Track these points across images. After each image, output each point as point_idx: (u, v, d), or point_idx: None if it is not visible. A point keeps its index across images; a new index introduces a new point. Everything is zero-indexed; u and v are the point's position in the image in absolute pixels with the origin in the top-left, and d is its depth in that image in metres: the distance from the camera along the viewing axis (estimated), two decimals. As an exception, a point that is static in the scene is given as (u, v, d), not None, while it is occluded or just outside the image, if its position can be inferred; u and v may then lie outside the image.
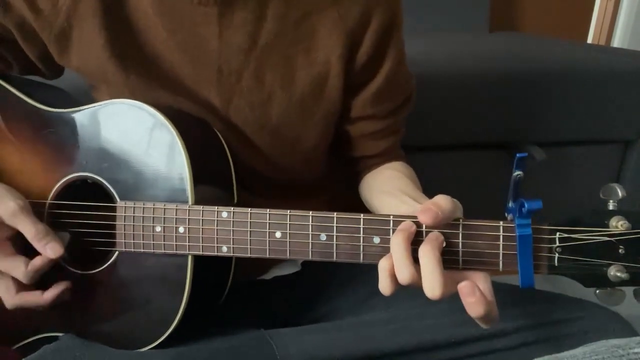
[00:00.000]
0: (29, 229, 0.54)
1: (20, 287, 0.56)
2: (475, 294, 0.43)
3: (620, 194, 0.44)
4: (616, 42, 2.08)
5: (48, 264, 0.55)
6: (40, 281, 0.56)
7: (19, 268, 0.54)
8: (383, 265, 0.46)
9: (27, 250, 0.56)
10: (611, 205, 0.44)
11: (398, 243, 0.45)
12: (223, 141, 0.60)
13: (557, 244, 0.44)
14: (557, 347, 0.52)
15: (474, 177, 1.32)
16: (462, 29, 1.88)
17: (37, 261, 0.54)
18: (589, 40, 2.14)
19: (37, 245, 0.54)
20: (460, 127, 1.25)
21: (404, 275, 0.44)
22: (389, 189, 0.64)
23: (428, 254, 0.44)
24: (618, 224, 0.43)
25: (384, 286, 0.46)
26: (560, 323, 0.55)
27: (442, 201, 0.45)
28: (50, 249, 0.54)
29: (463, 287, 0.44)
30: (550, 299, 0.58)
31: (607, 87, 1.29)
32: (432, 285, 0.43)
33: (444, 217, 0.45)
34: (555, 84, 1.27)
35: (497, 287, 0.63)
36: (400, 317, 0.58)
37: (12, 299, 0.56)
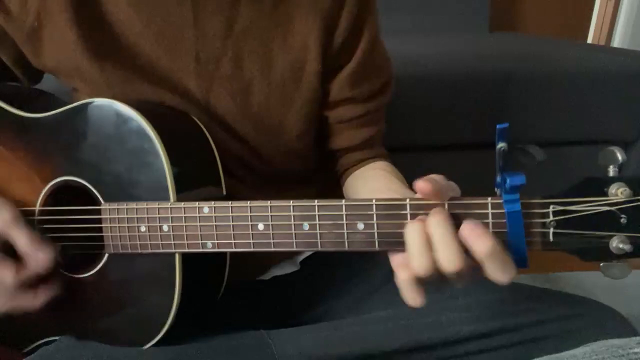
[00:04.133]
0: (23, 238, 0.53)
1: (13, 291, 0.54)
2: (478, 227, 0.41)
3: (620, 157, 0.40)
4: (616, 42, 2.08)
5: (38, 272, 0.54)
6: (36, 286, 0.56)
7: (9, 274, 0.53)
8: (403, 277, 0.43)
9: (17, 259, 0.54)
10: (611, 172, 0.40)
11: (412, 229, 0.43)
12: (206, 132, 0.59)
13: (551, 217, 0.41)
14: (557, 344, 0.52)
15: (474, 177, 1.31)
16: (462, 29, 1.88)
17: (27, 271, 0.53)
18: (589, 40, 2.15)
19: (28, 255, 0.53)
20: (460, 127, 1.25)
21: (422, 265, 0.42)
22: (377, 186, 0.64)
23: (439, 225, 0.41)
24: (618, 192, 0.39)
25: (413, 297, 0.43)
26: (559, 321, 0.55)
27: (436, 176, 0.43)
28: (41, 259, 0.53)
29: (464, 230, 0.41)
30: (550, 297, 0.58)
31: (607, 87, 1.29)
32: (451, 256, 0.41)
33: (441, 188, 0.43)
34: (555, 84, 1.27)
35: (496, 284, 0.63)
36: (398, 316, 0.58)
37: (4, 303, 0.54)
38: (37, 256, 0.53)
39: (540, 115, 1.28)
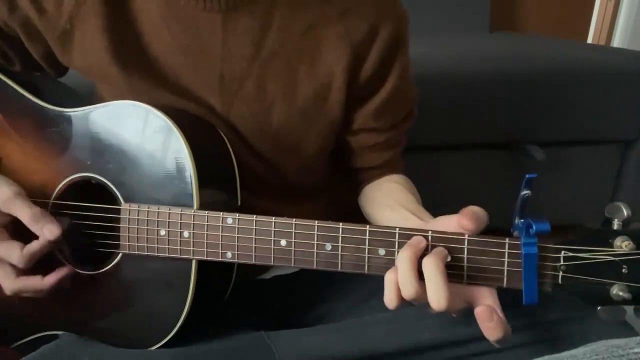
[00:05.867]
0: (25, 212, 0.53)
1: (20, 272, 0.55)
2: (493, 319, 0.44)
3: (625, 213, 0.44)
4: (616, 42, 2.08)
5: (45, 247, 0.54)
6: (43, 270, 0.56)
7: (15, 252, 0.53)
8: (390, 278, 0.46)
9: (23, 238, 0.55)
10: (616, 225, 0.44)
11: (404, 258, 0.45)
12: (228, 144, 0.60)
13: (562, 262, 0.45)
14: (557, 347, 0.52)
15: (475, 177, 1.32)
16: (462, 29, 1.88)
17: (33, 245, 0.54)
18: (589, 40, 2.14)
19: (34, 228, 0.54)
20: (460, 127, 1.25)
21: (409, 290, 0.44)
22: (390, 202, 0.64)
23: (431, 265, 0.44)
24: (622, 244, 0.43)
25: (390, 299, 0.46)
26: (559, 323, 0.55)
27: (477, 208, 0.46)
28: (47, 231, 0.53)
29: (481, 313, 0.44)
30: (551, 299, 0.58)
31: (607, 87, 1.29)
32: (438, 297, 0.43)
33: (482, 224, 0.45)
34: (555, 84, 1.27)
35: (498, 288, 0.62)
36: (398, 318, 0.58)
37: (12, 284, 0.55)
38: (43, 229, 0.53)
39: (540, 115, 1.28)
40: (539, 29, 2.07)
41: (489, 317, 0.44)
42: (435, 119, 1.20)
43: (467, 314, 0.57)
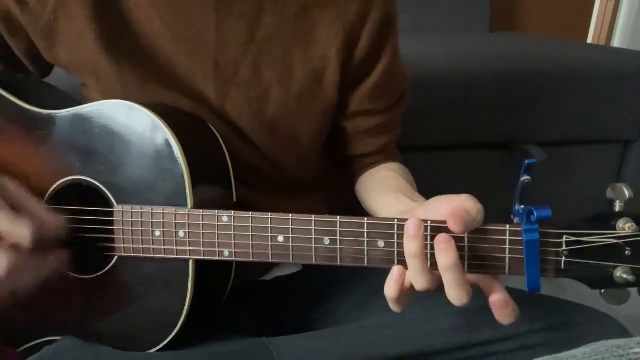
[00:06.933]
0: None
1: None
2: (509, 306, 0.44)
3: (627, 194, 0.43)
4: (616, 42, 2.08)
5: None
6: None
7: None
8: (390, 294, 0.46)
9: None
10: (618, 207, 0.44)
11: (414, 252, 0.44)
12: (220, 139, 0.59)
13: (564, 247, 0.44)
14: (556, 352, 0.52)
15: (475, 177, 1.32)
16: (462, 29, 1.88)
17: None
18: (589, 40, 2.15)
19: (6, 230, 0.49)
20: (460, 127, 1.25)
21: (423, 284, 0.44)
22: (385, 189, 0.64)
23: (450, 265, 0.43)
24: (625, 226, 0.43)
25: (390, 290, 0.46)
26: (559, 328, 0.55)
27: (471, 207, 0.44)
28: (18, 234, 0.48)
29: (498, 302, 0.44)
30: (551, 304, 0.58)
31: (607, 87, 1.29)
32: (460, 295, 0.44)
33: (473, 225, 0.44)
34: (555, 84, 1.27)
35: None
36: (398, 322, 0.58)
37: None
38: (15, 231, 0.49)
39: (541, 115, 1.28)
40: (539, 29, 2.07)
41: (504, 305, 0.44)
42: (435, 119, 1.20)
43: (469, 320, 0.57)
